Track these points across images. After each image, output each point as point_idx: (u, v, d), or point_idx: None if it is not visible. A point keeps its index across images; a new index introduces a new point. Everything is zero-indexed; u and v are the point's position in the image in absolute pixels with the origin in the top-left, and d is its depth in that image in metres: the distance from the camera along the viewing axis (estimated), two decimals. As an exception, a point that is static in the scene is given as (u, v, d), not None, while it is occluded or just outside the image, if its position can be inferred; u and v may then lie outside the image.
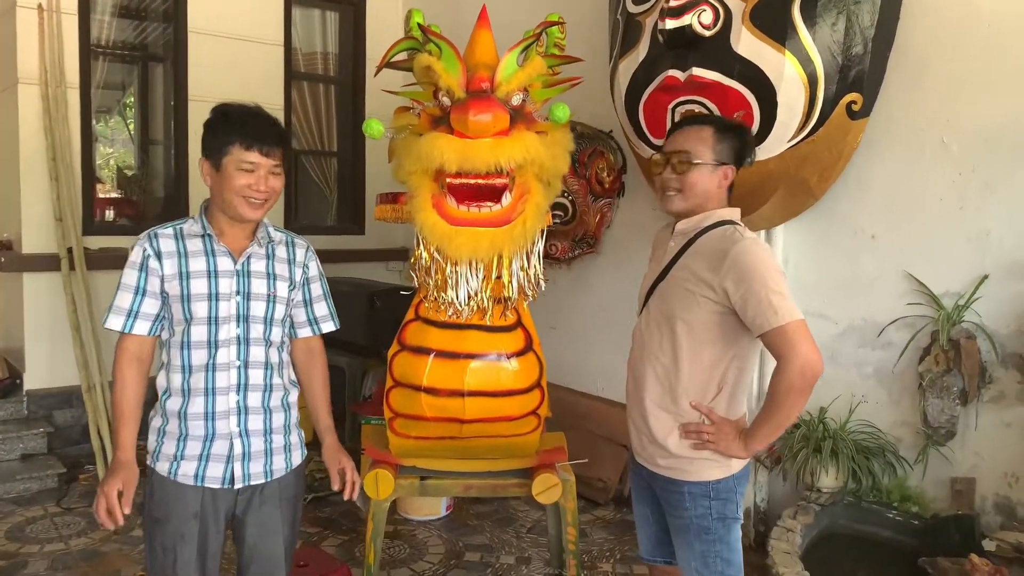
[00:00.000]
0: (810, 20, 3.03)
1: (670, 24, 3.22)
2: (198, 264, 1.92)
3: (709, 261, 1.88)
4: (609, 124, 4.13)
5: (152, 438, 1.99)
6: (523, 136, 2.17)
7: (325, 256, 5.58)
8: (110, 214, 6.19)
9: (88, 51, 4.60)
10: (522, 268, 2.31)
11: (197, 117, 4.78)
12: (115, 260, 4.52)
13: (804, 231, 3.41)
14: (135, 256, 1.91)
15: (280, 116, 5.24)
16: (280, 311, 2.00)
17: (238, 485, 1.96)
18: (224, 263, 1.94)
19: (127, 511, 1.86)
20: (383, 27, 5.54)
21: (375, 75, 2.49)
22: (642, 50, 3.53)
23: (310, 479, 3.97)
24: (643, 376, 2.01)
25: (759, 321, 1.79)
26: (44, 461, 4.19)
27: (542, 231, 2.31)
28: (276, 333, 2.01)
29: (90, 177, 4.67)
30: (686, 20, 3.19)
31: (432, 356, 2.35)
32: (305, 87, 5.63)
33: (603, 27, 4.05)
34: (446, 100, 2.24)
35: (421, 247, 2.31)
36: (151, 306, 1.92)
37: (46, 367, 4.49)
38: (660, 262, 2.05)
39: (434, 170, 2.21)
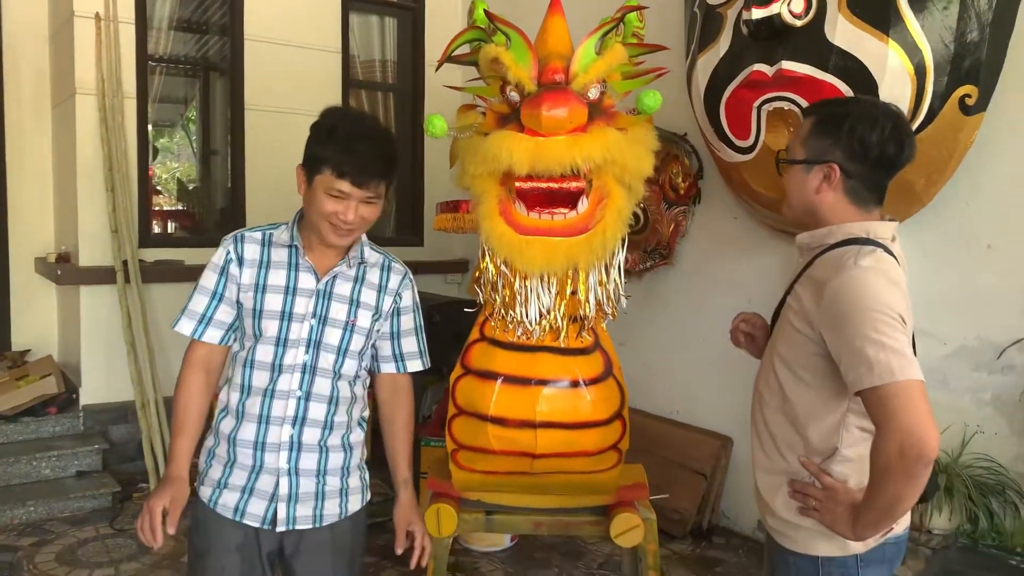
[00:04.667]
0: (918, 4, 2.72)
1: (757, 14, 2.95)
2: (277, 277, 1.74)
3: (814, 292, 1.53)
4: (683, 126, 3.84)
5: (202, 458, 1.83)
6: (603, 133, 1.91)
7: (383, 268, 5.40)
8: (168, 226, 6.17)
9: (145, 60, 4.53)
10: (600, 283, 2.03)
11: (254, 126, 4.78)
12: (171, 273, 4.44)
13: (908, 240, 3.00)
14: (217, 258, 1.77)
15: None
16: (358, 342, 1.79)
17: (280, 528, 1.75)
18: (306, 280, 1.75)
19: (171, 531, 1.70)
20: (442, 34, 5.37)
21: (436, 70, 2.27)
22: (723, 44, 3.26)
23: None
24: (753, 415, 1.72)
25: (851, 377, 1.42)
26: (99, 479, 4.09)
27: (623, 241, 2.04)
28: (349, 366, 1.79)
29: (146, 189, 4.58)
30: (774, 9, 2.92)
31: (500, 381, 2.09)
32: (363, 95, 5.49)
33: (675, 21, 3.78)
34: (515, 95, 2.00)
35: (487, 259, 2.07)
36: (226, 314, 1.77)
37: (102, 382, 4.40)
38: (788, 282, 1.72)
39: (502, 173, 1.97)
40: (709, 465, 3.81)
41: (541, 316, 2.04)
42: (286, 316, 1.73)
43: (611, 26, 2.02)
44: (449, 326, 4.22)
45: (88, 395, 4.39)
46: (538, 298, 2.02)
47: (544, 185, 1.96)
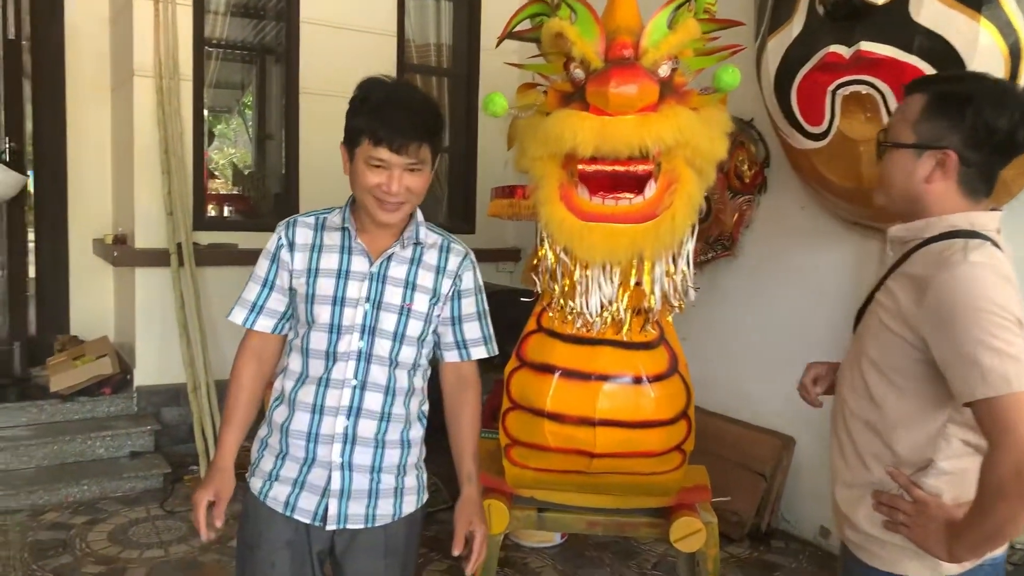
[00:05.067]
0: (1015, -21, 2.52)
1: (836, -9, 2.78)
2: (329, 261, 1.68)
3: (914, 290, 1.37)
4: (750, 112, 3.68)
5: (254, 448, 1.77)
6: (674, 112, 1.78)
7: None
8: (224, 210, 6.22)
9: (202, 44, 4.52)
10: (667, 273, 1.91)
11: (309, 110, 4.75)
12: (225, 256, 4.44)
13: (995, 234, 2.86)
14: (270, 244, 1.73)
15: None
16: (415, 327, 1.69)
17: (331, 526, 1.66)
18: (358, 263, 1.67)
19: (219, 524, 1.65)
20: (498, 17, 5.23)
21: (497, 45, 2.18)
22: (797, 24, 3.08)
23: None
24: (834, 422, 1.58)
25: (958, 386, 1.28)
26: (151, 460, 4.12)
27: (692, 228, 1.91)
28: (407, 353, 1.70)
29: (201, 171, 4.59)
30: (855, -14, 2.74)
31: (557, 375, 1.99)
32: (418, 79, 5.41)
33: (743, 1, 3.61)
34: (580, 72, 1.88)
35: (546, 246, 1.96)
36: (278, 302, 1.73)
37: (156, 363, 4.43)
38: (877, 277, 1.56)
39: (564, 155, 1.86)
40: (769, 466, 3.66)
41: (602, 307, 1.93)
42: (339, 301, 1.66)
43: (683, 0, 1.89)
44: (502, 315, 4.13)
45: (142, 376, 4.43)
46: (600, 288, 1.91)
47: (609, 168, 1.84)
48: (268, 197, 5.53)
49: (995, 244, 1.38)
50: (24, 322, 4.80)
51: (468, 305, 1.78)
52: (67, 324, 4.84)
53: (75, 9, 4.74)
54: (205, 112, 4.74)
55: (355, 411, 1.66)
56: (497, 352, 1.85)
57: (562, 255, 1.92)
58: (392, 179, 1.58)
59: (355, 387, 1.66)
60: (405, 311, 1.68)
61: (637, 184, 1.87)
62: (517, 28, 2.08)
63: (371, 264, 1.67)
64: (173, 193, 4.29)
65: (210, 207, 6.13)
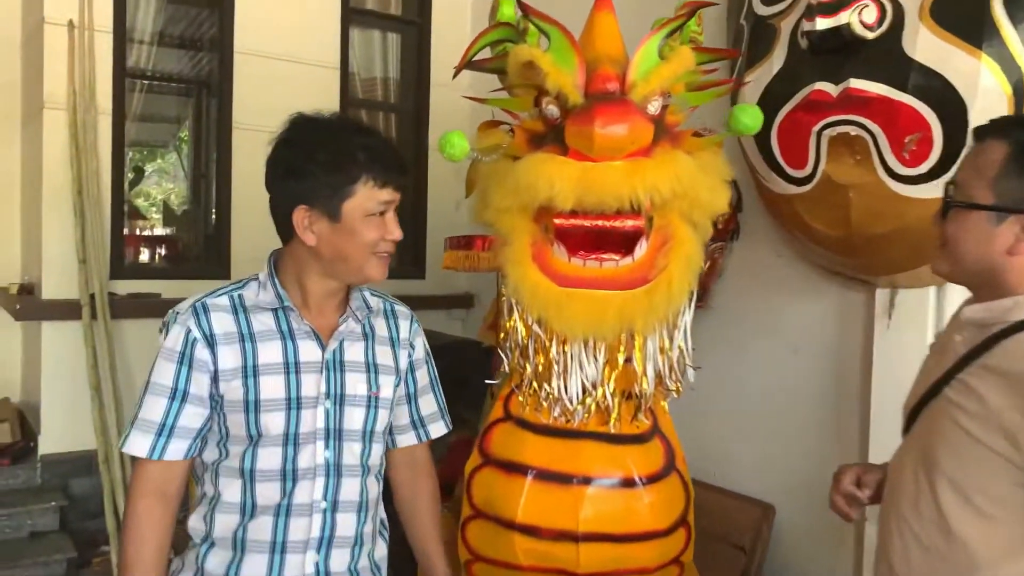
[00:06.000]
0: (1018, 13, 2.31)
1: (822, 24, 2.52)
2: (271, 353, 1.30)
3: (1011, 393, 1.10)
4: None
5: None
6: (671, 158, 1.48)
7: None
8: (155, 255, 5.75)
9: (123, 73, 4.11)
10: (661, 350, 1.59)
11: (242, 146, 4.36)
12: (145, 308, 3.99)
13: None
14: (172, 341, 1.33)
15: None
16: (383, 419, 1.38)
17: None
18: (308, 351, 1.32)
19: None
20: (449, 50, 4.98)
21: (453, 77, 1.85)
22: (777, 60, 2.84)
23: None
24: (887, 537, 1.27)
25: None
26: (54, 541, 3.61)
27: (691, 296, 1.60)
28: (376, 454, 1.39)
29: (121, 214, 4.15)
30: (843, 19, 2.50)
31: (531, 477, 1.63)
32: (363, 115, 5.09)
33: (716, 35, 3.38)
34: (554, 109, 1.57)
35: (516, 316, 1.62)
36: (195, 417, 1.33)
37: (64, 428, 3.93)
38: (938, 366, 1.26)
39: (537, 207, 1.53)
40: (749, 537, 3.34)
41: (585, 392, 1.59)
42: (294, 403, 1.30)
43: (677, 23, 1.60)
44: (453, 369, 3.78)
45: (48, 444, 3.92)
46: (581, 368, 1.58)
47: (591, 223, 1.52)
48: (198, 241, 5.11)
49: None
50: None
51: (422, 376, 1.50)
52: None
53: (-20, 32, 4.31)
54: (127, 150, 4.31)
55: (327, 541, 1.31)
56: (451, 427, 1.57)
57: (536, 328, 1.59)
58: (395, 223, 1.32)
59: (325, 510, 1.31)
60: (373, 401, 1.35)
61: (625, 242, 1.55)
62: (476, 57, 1.76)
63: (323, 349, 1.32)
64: (87, 238, 3.84)
65: (141, 250, 5.66)
